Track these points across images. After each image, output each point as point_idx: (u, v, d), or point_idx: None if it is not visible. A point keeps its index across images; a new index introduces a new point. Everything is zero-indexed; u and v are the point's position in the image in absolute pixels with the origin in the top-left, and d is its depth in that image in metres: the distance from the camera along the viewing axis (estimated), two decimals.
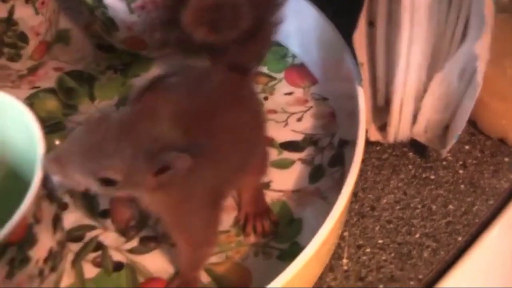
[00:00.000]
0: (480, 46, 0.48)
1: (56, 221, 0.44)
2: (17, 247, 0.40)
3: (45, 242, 0.43)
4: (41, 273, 0.43)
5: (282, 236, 0.52)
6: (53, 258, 0.44)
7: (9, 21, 0.57)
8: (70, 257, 0.51)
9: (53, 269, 0.45)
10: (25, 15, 0.57)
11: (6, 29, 0.57)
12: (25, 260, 0.41)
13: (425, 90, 0.53)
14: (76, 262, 0.51)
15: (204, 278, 0.50)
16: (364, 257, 0.51)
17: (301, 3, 0.60)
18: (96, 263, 0.51)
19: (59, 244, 0.45)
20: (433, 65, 0.52)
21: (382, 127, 0.56)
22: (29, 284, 0.42)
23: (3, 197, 0.48)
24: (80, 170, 0.39)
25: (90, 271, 0.51)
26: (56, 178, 0.42)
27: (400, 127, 0.55)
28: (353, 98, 0.53)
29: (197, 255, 0.48)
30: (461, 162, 0.57)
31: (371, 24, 0.52)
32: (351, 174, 0.47)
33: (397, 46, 0.51)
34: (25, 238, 0.40)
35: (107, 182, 0.39)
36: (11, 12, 0.56)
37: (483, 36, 0.47)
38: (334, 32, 0.58)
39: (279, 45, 0.65)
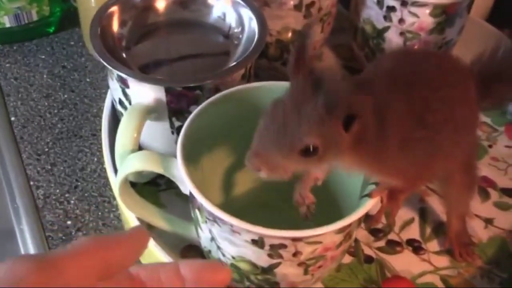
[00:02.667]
0: None
1: None
2: (354, 225, 0.49)
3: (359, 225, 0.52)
4: (346, 250, 0.53)
5: (503, 266, 0.61)
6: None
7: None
8: None
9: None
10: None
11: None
12: (350, 237, 0.50)
13: None
14: None
15: (440, 285, 0.59)
16: None
17: None
18: (350, 252, 0.60)
19: None
20: None
21: None
22: (339, 256, 0.52)
23: None
24: (279, 151, 0.41)
25: (345, 258, 0.59)
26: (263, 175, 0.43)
27: None
28: None
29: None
30: None
31: None
32: None
33: None
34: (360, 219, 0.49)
35: (307, 153, 0.41)
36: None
37: None
38: None
39: None
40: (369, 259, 0.60)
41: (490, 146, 0.71)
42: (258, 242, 0.47)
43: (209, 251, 0.52)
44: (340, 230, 0.47)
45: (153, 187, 0.63)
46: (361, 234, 0.62)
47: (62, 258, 0.32)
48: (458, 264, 0.60)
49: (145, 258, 0.58)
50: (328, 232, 0.46)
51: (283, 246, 0.47)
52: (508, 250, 0.62)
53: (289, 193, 0.55)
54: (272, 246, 0.47)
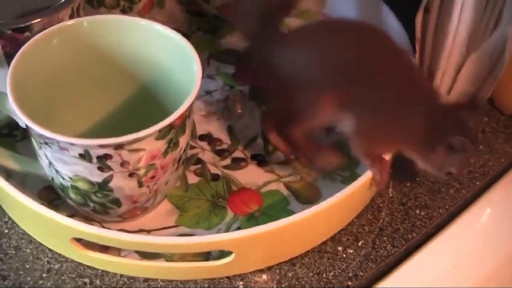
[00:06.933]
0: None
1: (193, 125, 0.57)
2: (175, 131, 0.52)
3: (187, 135, 0.55)
4: (179, 160, 0.56)
5: (344, 166, 0.65)
6: (185, 153, 0.57)
7: None
8: None
9: (183, 162, 0.58)
10: None
11: None
12: (176, 144, 0.54)
13: (461, 66, 0.67)
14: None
15: (284, 191, 0.64)
16: (405, 189, 0.66)
17: None
18: (197, 173, 0.64)
19: (188, 144, 0.58)
20: (470, 46, 0.67)
21: None
22: (171, 166, 0.55)
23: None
24: None
25: (192, 178, 0.64)
26: None
27: None
28: None
29: None
30: (480, 129, 0.72)
31: (426, 10, 0.67)
32: None
33: (446, 28, 0.65)
34: (181, 126, 0.53)
35: None
36: None
37: None
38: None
39: None
40: (215, 177, 0.64)
41: None
42: (85, 156, 0.50)
43: (52, 179, 0.55)
44: (159, 136, 0.50)
45: (9, 139, 0.66)
46: (208, 155, 0.66)
47: None
48: (301, 170, 0.65)
49: (4, 201, 0.60)
50: (146, 136, 0.49)
51: (109, 156, 0.50)
52: (347, 151, 0.66)
53: (136, 120, 0.58)
54: (99, 158, 0.50)
